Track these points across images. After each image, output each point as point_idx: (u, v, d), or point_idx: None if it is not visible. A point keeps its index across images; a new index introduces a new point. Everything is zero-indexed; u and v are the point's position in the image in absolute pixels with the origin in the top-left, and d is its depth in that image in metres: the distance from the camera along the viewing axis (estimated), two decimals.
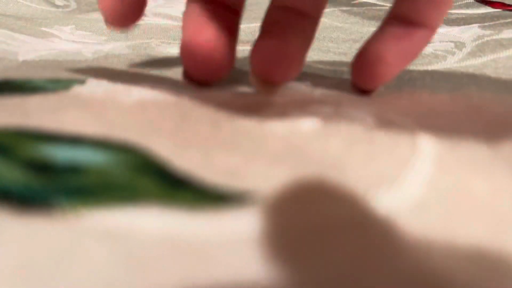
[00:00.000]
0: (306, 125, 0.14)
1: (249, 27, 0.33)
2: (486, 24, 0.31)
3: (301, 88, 0.18)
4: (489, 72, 0.22)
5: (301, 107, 0.15)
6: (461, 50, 0.26)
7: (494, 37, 0.28)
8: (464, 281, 0.09)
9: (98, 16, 0.34)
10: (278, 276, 0.09)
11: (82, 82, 0.17)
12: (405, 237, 0.10)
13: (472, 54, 0.25)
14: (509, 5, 0.38)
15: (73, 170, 0.11)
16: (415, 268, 0.09)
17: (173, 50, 0.25)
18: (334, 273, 0.09)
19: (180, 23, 0.33)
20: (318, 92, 0.17)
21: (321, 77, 0.20)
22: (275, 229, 0.10)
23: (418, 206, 0.11)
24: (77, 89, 0.16)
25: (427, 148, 0.13)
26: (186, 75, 0.17)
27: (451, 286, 0.09)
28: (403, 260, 0.09)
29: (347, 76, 0.20)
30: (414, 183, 0.12)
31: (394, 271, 0.09)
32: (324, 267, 0.09)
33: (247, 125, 0.14)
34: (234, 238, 0.10)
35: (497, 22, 0.31)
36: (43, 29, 0.28)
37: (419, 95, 0.18)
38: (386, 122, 0.14)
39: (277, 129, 0.14)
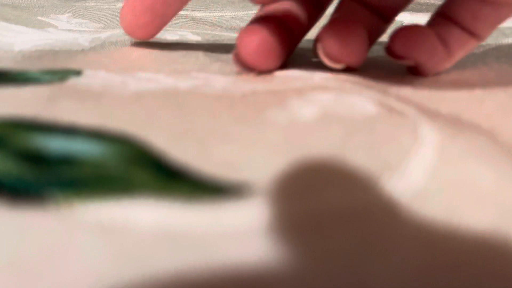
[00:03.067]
0: (306, 114, 0.14)
1: (237, 15, 0.32)
2: None
3: (301, 74, 0.18)
4: (491, 60, 0.22)
5: (301, 94, 0.15)
6: None
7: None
8: (467, 271, 0.09)
9: (94, 4, 0.34)
10: (278, 266, 0.09)
11: (78, 73, 0.17)
12: (408, 226, 0.10)
13: None
14: None
15: (67, 161, 0.11)
16: (418, 257, 0.09)
17: (170, 36, 0.25)
18: (336, 261, 0.09)
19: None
20: (318, 77, 0.17)
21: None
22: (276, 219, 0.10)
23: (421, 194, 0.11)
24: (73, 81, 0.16)
25: (429, 137, 0.13)
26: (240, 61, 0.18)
27: (454, 276, 0.09)
28: (406, 248, 0.09)
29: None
30: (417, 172, 0.11)
31: (396, 259, 0.09)
32: (325, 255, 0.09)
33: (245, 115, 0.14)
34: (232, 230, 0.09)
35: None
36: (39, 18, 0.28)
37: (422, 80, 0.18)
38: (387, 110, 0.14)
39: (276, 118, 0.14)
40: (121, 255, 0.09)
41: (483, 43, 0.25)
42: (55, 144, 0.11)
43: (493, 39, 0.25)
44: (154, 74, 0.17)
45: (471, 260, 0.09)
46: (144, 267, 0.08)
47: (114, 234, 0.09)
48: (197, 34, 0.26)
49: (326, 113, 0.14)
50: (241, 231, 0.09)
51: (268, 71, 0.18)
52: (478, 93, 0.16)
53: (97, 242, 0.09)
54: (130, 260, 0.09)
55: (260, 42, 0.17)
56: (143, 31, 0.20)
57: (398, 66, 0.20)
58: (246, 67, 0.18)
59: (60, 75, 0.16)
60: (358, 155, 0.12)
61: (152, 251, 0.09)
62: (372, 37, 0.19)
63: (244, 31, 0.18)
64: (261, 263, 0.09)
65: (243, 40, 0.17)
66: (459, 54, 0.18)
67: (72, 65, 0.18)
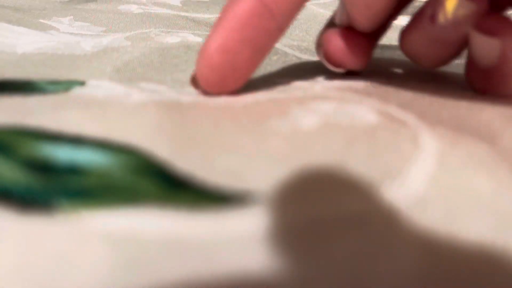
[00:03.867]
0: (307, 123, 0.14)
1: None
2: None
3: (301, 84, 0.18)
4: None
5: (302, 104, 0.15)
6: None
7: None
8: (466, 279, 0.09)
9: (96, 7, 0.34)
10: (282, 274, 0.09)
11: (82, 83, 0.17)
12: (408, 234, 0.10)
13: None
14: None
15: (74, 171, 0.11)
16: (417, 265, 0.09)
17: (172, 39, 0.25)
18: (337, 268, 0.09)
19: (179, 12, 0.33)
20: (319, 86, 0.17)
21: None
22: (278, 226, 0.10)
23: (420, 202, 0.11)
24: (77, 91, 0.16)
25: (429, 145, 0.13)
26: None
27: (453, 284, 0.09)
28: (405, 256, 0.09)
29: None
30: (417, 180, 0.11)
31: (396, 267, 0.09)
32: (326, 263, 0.09)
33: (248, 124, 0.14)
34: (236, 238, 0.10)
35: None
36: (41, 20, 0.28)
37: (423, 87, 0.18)
38: (388, 118, 0.14)
39: (278, 127, 0.14)
40: (127, 264, 0.09)
41: None
42: (62, 154, 0.12)
43: None
44: (157, 85, 0.17)
45: (470, 269, 0.09)
46: (150, 276, 0.09)
47: (120, 243, 0.09)
48: (198, 35, 0.26)
49: (327, 122, 0.14)
50: (245, 239, 0.10)
51: (355, 69, 0.18)
52: (478, 101, 0.16)
53: (104, 251, 0.09)
54: (136, 268, 0.09)
55: (349, 39, 0.17)
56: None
57: (399, 70, 0.20)
58: (334, 64, 0.18)
59: (65, 85, 0.16)
60: (359, 164, 0.12)
61: (157, 259, 0.09)
62: (374, 38, 0.19)
63: (329, 31, 0.18)
64: (264, 271, 0.09)
65: (331, 37, 0.17)
66: None
67: (76, 72, 0.18)
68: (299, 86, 0.17)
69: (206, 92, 0.16)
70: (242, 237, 0.10)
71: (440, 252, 0.09)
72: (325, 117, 0.14)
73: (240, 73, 0.15)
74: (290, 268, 0.09)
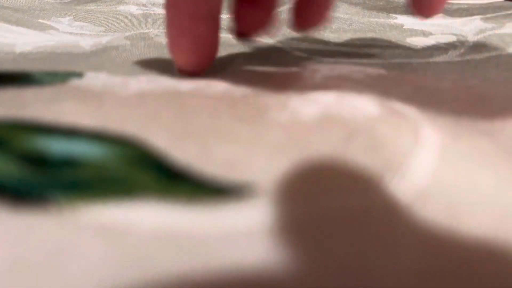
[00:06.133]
0: (307, 114, 0.14)
1: None
2: (488, 16, 0.31)
3: (302, 74, 0.18)
4: (490, 67, 0.22)
5: (302, 94, 0.15)
6: (463, 44, 0.26)
7: (496, 32, 0.28)
8: (467, 274, 0.09)
9: (95, 7, 0.34)
10: (281, 268, 0.09)
11: (79, 75, 0.17)
12: (410, 227, 0.10)
13: (473, 48, 0.25)
14: None
15: (69, 163, 0.11)
16: (419, 258, 0.09)
17: None
18: (338, 262, 0.09)
19: None
20: (319, 76, 0.17)
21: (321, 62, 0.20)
22: (277, 220, 0.10)
23: (422, 195, 0.11)
24: (74, 82, 0.16)
25: (430, 138, 0.13)
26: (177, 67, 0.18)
27: (454, 278, 0.09)
28: (407, 249, 0.09)
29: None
30: (418, 173, 0.11)
31: (397, 260, 0.09)
32: (327, 256, 0.09)
33: (247, 114, 0.14)
34: (233, 231, 0.09)
35: (500, 13, 0.31)
36: (41, 21, 0.28)
37: (423, 81, 0.18)
38: (389, 111, 0.14)
39: (277, 118, 0.14)
40: (123, 257, 0.09)
41: (484, 51, 0.25)
42: (57, 146, 0.12)
43: (493, 46, 0.25)
44: (155, 76, 0.17)
45: (471, 262, 0.09)
46: (146, 269, 0.09)
47: (116, 236, 0.09)
48: None
49: (328, 113, 0.14)
50: (243, 233, 0.09)
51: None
52: (478, 95, 0.16)
53: (99, 244, 0.09)
54: (132, 262, 0.09)
55: None
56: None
57: (399, 65, 0.20)
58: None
59: (62, 76, 0.16)
60: (360, 156, 0.12)
61: (154, 253, 0.09)
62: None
63: None
64: (262, 265, 0.09)
65: None
66: None
67: (74, 68, 0.18)
68: (299, 76, 0.17)
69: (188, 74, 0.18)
70: (240, 230, 0.10)
71: (441, 246, 0.09)
72: (325, 108, 0.14)
73: (209, 49, 0.17)
74: (290, 262, 0.09)
